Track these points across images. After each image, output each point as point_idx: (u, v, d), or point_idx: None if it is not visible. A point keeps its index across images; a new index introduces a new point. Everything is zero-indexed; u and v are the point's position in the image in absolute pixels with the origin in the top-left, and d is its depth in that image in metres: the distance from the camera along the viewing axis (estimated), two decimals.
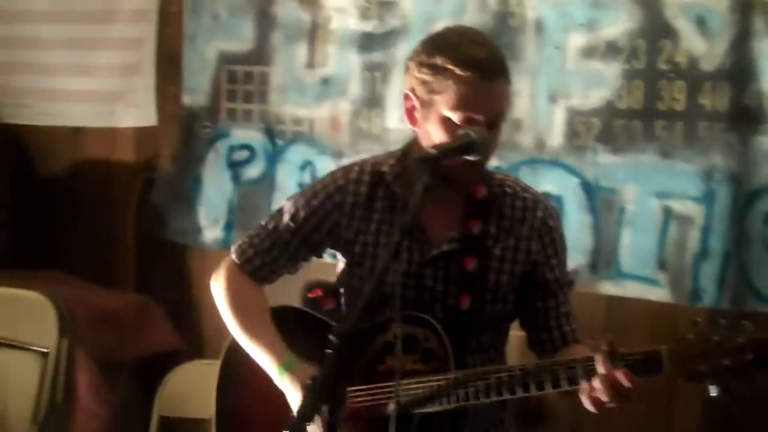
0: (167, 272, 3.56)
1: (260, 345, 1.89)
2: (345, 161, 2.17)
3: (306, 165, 3.24)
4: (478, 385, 1.72)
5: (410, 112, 1.85)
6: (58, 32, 3.67)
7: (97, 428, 3.02)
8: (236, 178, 3.39)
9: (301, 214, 1.94)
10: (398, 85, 2.94)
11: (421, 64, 1.79)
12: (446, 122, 1.76)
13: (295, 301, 2.31)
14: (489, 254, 1.87)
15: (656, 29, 2.65)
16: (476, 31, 1.93)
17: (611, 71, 2.72)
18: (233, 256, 1.99)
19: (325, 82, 3.21)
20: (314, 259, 2.02)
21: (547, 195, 2.18)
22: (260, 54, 3.32)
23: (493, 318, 1.89)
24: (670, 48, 2.64)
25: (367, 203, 1.92)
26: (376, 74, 3.11)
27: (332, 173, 1.99)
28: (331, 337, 1.53)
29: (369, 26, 3.11)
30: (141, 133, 3.61)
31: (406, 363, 1.76)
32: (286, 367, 1.84)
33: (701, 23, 2.59)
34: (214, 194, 3.42)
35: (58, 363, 2.97)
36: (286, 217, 1.96)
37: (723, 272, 2.57)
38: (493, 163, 1.90)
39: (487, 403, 1.77)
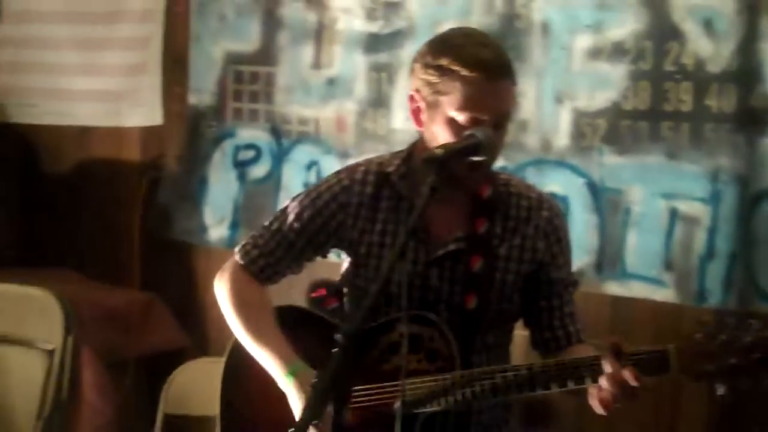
0: (173, 271, 3.57)
1: (267, 349, 1.87)
2: (350, 161, 2.17)
3: (312, 165, 3.25)
4: (484, 385, 1.72)
5: (416, 114, 1.84)
6: (65, 32, 3.68)
7: (102, 425, 3.03)
8: (242, 178, 3.40)
9: (306, 214, 1.93)
10: (404, 86, 2.94)
11: (426, 66, 1.79)
12: (452, 123, 1.76)
13: (299, 300, 2.30)
14: (495, 254, 1.87)
15: (663, 31, 2.65)
16: (481, 32, 1.93)
17: (617, 72, 2.71)
18: (237, 257, 1.98)
19: (331, 82, 3.21)
20: (319, 258, 2.01)
21: (553, 195, 2.18)
22: (266, 54, 3.33)
23: (498, 317, 1.89)
24: (676, 49, 2.63)
25: (372, 203, 1.91)
26: (381, 75, 3.11)
27: (337, 173, 1.98)
28: (337, 336, 1.53)
29: (375, 27, 3.11)
30: (147, 132, 3.62)
31: (411, 362, 1.76)
32: (294, 372, 1.82)
33: (708, 25, 2.58)
34: (220, 193, 3.43)
35: (63, 360, 2.97)
36: (290, 218, 1.95)
37: (729, 273, 2.57)
38: (499, 163, 1.90)
39: (492, 403, 1.77)
